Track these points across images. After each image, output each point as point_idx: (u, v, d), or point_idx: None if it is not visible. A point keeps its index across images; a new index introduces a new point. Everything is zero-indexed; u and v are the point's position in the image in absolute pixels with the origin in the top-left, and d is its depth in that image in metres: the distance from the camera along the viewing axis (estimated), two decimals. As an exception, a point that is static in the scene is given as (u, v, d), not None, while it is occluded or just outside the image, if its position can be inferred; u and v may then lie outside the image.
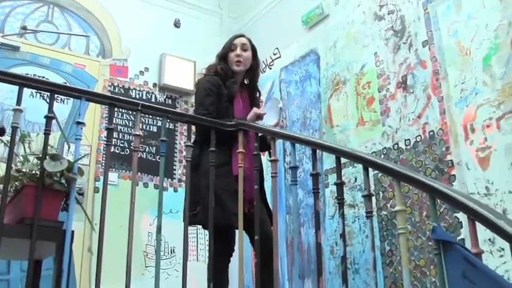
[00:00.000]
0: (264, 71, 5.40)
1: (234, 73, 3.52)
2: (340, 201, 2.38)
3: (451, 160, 3.33)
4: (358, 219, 3.90)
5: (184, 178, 5.28)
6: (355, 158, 2.41)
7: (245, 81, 3.65)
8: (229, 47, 3.55)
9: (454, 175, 3.29)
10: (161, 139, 2.91)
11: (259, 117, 3.34)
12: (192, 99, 5.60)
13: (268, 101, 3.69)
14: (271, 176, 2.80)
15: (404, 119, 3.71)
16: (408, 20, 3.87)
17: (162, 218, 2.84)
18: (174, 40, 5.71)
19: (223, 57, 3.55)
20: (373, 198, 3.70)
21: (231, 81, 3.46)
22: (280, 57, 5.24)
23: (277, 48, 5.30)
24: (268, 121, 3.55)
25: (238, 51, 3.51)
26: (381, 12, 4.13)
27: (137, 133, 2.86)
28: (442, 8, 3.62)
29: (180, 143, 5.38)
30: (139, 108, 2.90)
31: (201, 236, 5.20)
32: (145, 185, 5.06)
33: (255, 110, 3.38)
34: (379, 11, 4.15)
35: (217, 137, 3.05)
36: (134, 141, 2.87)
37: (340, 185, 2.40)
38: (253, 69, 3.63)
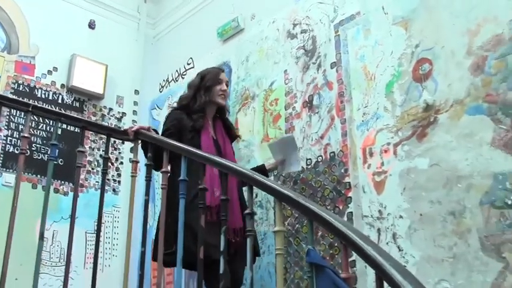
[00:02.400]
0: (177, 80, 5.36)
1: (208, 106, 3.50)
2: (224, 217, 2.34)
3: (349, 182, 3.37)
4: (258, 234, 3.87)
5: (86, 183, 5.14)
6: (240, 175, 2.37)
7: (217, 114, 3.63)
8: (216, 81, 3.54)
9: (351, 197, 3.33)
10: (51, 143, 2.79)
11: None
12: (101, 103, 5.48)
13: (276, 142, 3.61)
14: (162, 188, 2.75)
15: (308, 139, 3.73)
16: (319, 40, 3.90)
17: (45, 224, 2.74)
18: (87, 41, 5.53)
19: (208, 88, 3.50)
20: (271, 215, 3.72)
21: (199, 115, 3.40)
22: (193, 67, 5.19)
23: (191, 58, 5.25)
24: (293, 168, 3.50)
25: (224, 86, 3.55)
26: (294, 30, 4.15)
27: (25, 135, 2.73)
28: (352, 32, 3.67)
29: (85, 147, 5.19)
30: (30, 109, 2.77)
31: (100, 244, 5.03)
32: (45, 189, 4.84)
33: None
34: (292, 29, 4.18)
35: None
36: (22, 143, 2.72)
37: (225, 201, 2.37)
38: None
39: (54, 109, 4.66)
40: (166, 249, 2.82)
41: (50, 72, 5.19)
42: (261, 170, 3.49)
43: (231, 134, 3.64)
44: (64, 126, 4.85)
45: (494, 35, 2.85)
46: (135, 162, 2.88)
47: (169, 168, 2.93)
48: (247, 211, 2.20)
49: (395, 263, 1.47)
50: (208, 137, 3.36)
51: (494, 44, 2.84)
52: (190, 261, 2.68)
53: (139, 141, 3.23)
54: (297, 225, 3.58)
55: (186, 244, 2.70)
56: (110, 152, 5.29)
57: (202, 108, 3.44)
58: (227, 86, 3.60)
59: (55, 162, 4.92)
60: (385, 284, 1.52)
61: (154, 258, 3.00)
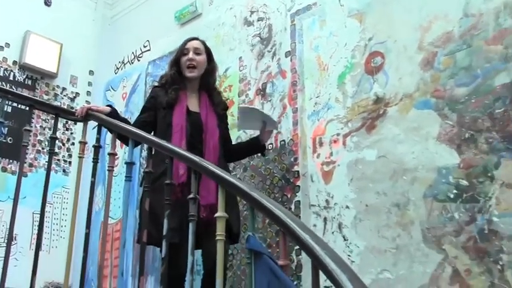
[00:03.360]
0: (133, 63, 5.30)
1: (186, 79, 3.23)
2: (167, 201, 2.33)
3: (298, 171, 3.40)
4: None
5: (36, 163, 5.06)
6: (184, 158, 2.36)
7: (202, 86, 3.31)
8: (181, 52, 3.26)
9: (299, 186, 3.35)
10: (-3, 120, 2.73)
11: None
12: (54, 82, 5.38)
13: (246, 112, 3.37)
14: (108, 171, 2.72)
15: (259, 126, 3.73)
16: (275, 29, 3.91)
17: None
18: (42, 18, 5.39)
19: (175, 62, 3.26)
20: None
21: (173, 88, 3.15)
22: (149, 50, 5.14)
23: (148, 40, 5.19)
24: (273, 125, 3.39)
25: (190, 55, 3.21)
26: (251, 18, 4.15)
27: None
28: (308, 22, 3.69)
29: (35, 126, 5.11)
30: (-26, 85, 2.71)
31: (47, 225, 4.95)
32: (-9, 167, 4.76)
33: None
34: (249, 16, 4.17)
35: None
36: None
37: (168, 185, 2.36)
38: (209, 73, 3.32)
39: (1, 86, 4.55)
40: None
41: (1, 48, 5.05)
42: (257, 139, 3.34)
43: (216, 109, 3.29)
44: (15, 104, 4.75)
45: (444, 32, 2.91)
46: (83, 144, 2.84)
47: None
48: (191, 196, 2.19)
49: (332, 252, 1.49)
50: (181, 112, 3.09)
51: (444, 41, 2.90)
52: (148, 241, 2.63)
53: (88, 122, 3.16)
54: (246, 212, 3.58)
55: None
56: (61, 132, 5.26)
57: (175, 83, 3.20)
58: (198, 53, 3.23)
59: (3, 141, 4.88)
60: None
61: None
